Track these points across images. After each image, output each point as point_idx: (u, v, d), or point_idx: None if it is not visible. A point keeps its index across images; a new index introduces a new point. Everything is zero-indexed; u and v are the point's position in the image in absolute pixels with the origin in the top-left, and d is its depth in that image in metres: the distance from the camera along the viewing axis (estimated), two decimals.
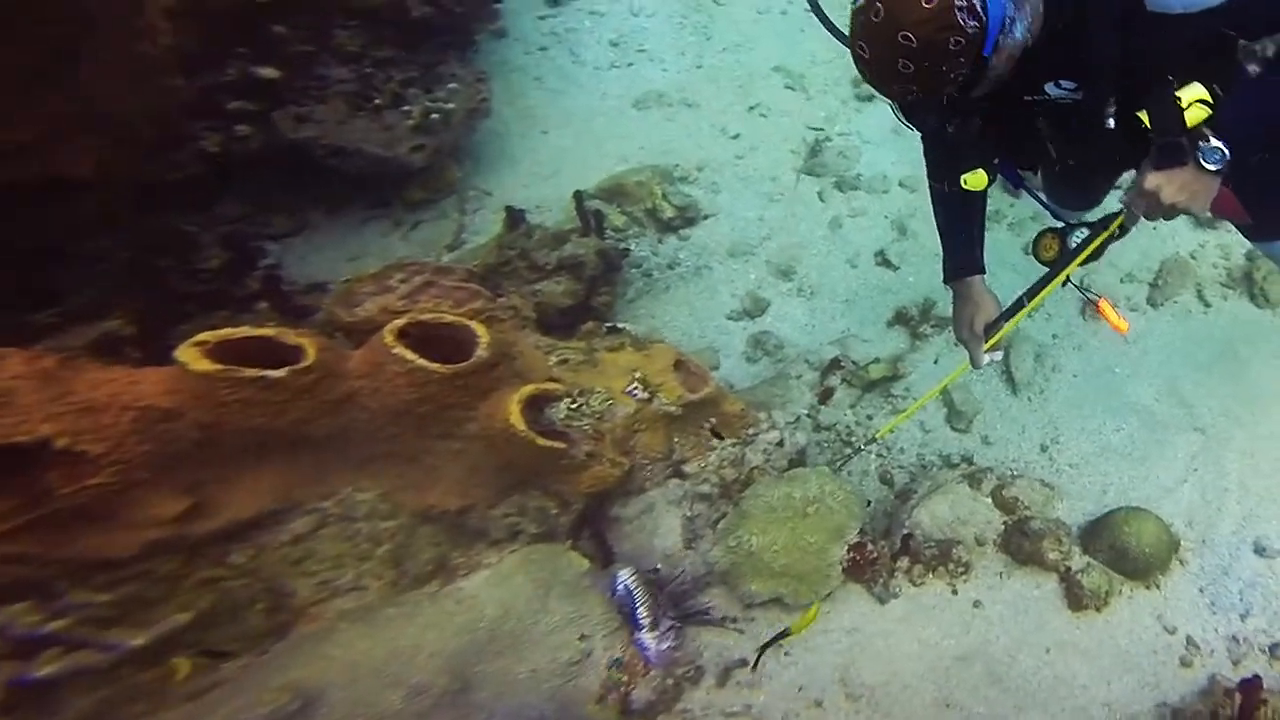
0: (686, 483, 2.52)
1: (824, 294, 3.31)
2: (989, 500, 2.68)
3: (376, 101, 3.35)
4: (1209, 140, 1.57)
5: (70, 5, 2.32)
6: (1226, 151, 1.56)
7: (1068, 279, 1.98)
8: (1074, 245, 1.95)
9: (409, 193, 3.46)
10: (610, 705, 2.04)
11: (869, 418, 2.93)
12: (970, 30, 1.41)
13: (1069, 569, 2.55)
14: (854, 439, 2.84)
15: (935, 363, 3.09)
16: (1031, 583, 2.56)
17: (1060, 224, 2.03)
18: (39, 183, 2.42)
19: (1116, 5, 1.57)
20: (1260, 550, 2.70)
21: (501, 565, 2.16)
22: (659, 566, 2.37)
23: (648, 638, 2.14)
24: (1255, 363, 3.14)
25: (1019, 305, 2.03)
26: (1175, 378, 3.08)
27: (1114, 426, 2.96)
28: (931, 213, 2.20)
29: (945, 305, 3.06)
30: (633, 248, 3.35)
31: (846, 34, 1.56)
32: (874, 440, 2.79)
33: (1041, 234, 2.03)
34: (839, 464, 2.73)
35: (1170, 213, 1.67)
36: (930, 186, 2.15)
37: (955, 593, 2.52)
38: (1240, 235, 2.47)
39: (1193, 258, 3.44)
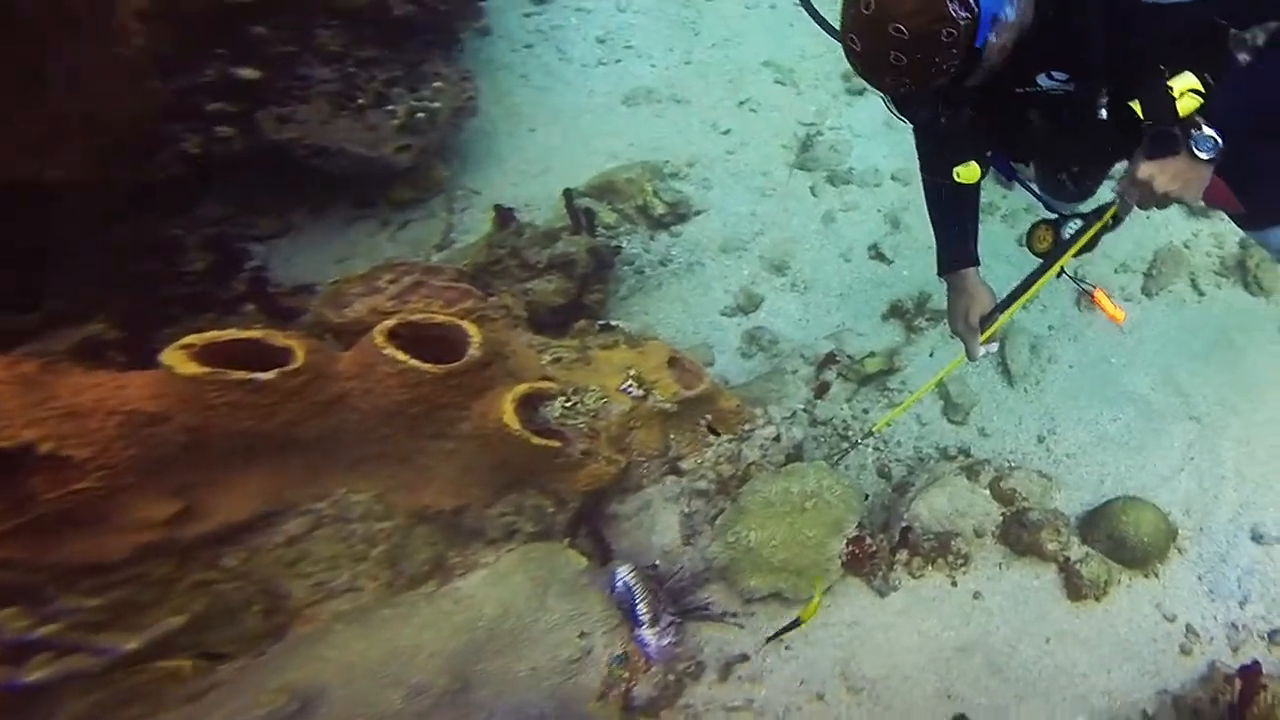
0: (683, 479, 2.58)
1: (818, 289, 3.38)
2: (987, 492, 2.75)
3: (360, 101, 3.39)
4: (1201, 129, 1.61)
5: (41, 8, 2.37)
6: (1219, 140, 1.61)
7: (1062, 270, 2.03)
8: (1068, 236, 2.00)
9: (396, 193, 3.50)
10: (612, 702, 2.08)
11: (865, 412, 2.99)
12: (962, 21, 1.45)
13: (1068, 559, 2.62)
14: (851, 433, 2.91)
15: (931, 355, 3.17)
16: (1030, 573, 2.62)
17: (1054, 215, 2.08)
18: (16, 187, 2.45)
19: None
20: (1258, 537, 2.78)
21: (499, 564, 2.20)
22: (657, 563, 2.42)
23: (648, 634, 2.19)
24: (1250, 351, 3.23)
25: (1014, 297, 2.08)
26: (1170, 367, 3.17)
27: (1110, 416, 3.03)
28: (924, 205, 2.25)
29: (940, 298, 3.13)
30: (624, 245, 3.41)
31: (837, 28, 1.60)
32: (871, 434, 2.85)
33: (1035, 225, 2.08)
34: (836, 458, 2.79)
35: (1164, 202, 1.71)
36: (923, 179, 2.20)
37: (955, 584, 2.58)
38: (1233, 224, 2.54)
39: (1186, 247, 3.54)
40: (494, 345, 2.34)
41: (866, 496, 2.70)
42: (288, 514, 2.15)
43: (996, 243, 3.37)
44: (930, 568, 2.59)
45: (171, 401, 2.00)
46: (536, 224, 3.26)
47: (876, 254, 3.49)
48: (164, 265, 2.96)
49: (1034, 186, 2.42)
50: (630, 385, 2.60)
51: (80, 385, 1.96)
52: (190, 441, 2.05)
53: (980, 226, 2.24)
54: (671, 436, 2.64)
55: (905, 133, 2.15)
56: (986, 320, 2.11)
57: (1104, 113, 1.73)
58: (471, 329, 2.30)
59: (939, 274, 2.23)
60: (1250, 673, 2.31)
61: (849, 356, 3.11)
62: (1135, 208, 1.81)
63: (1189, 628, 2.58)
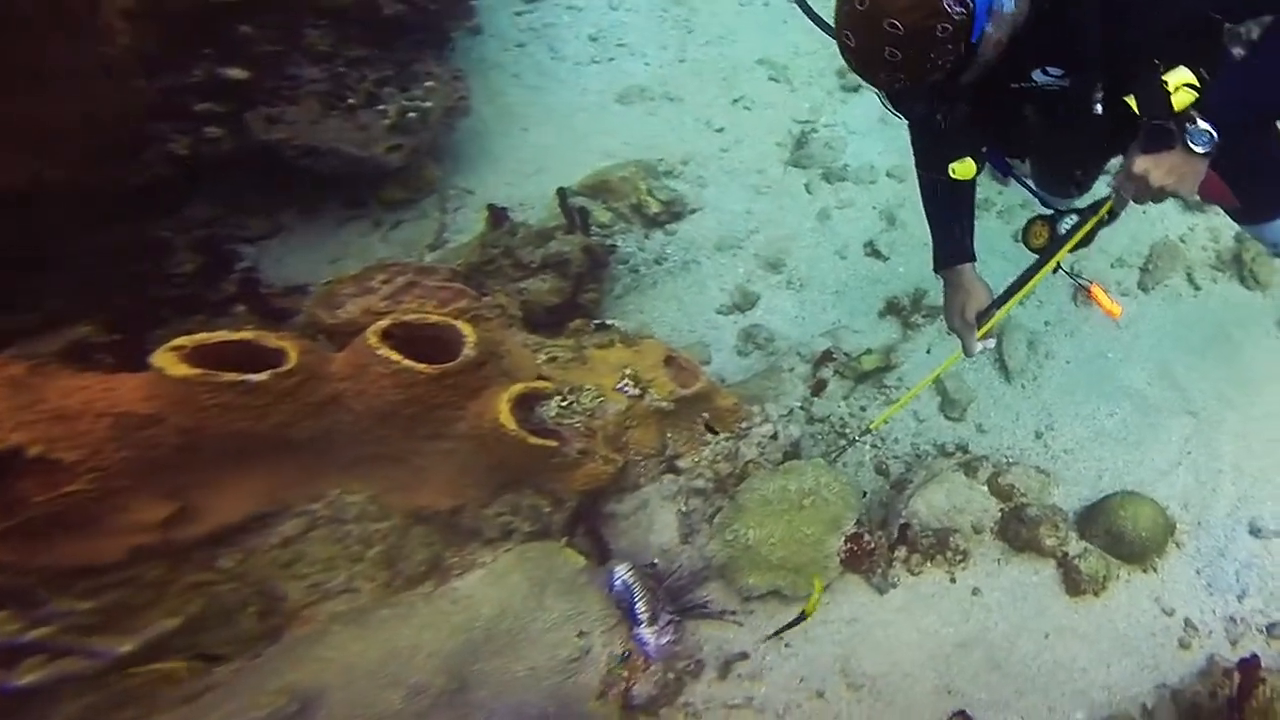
0: (681, 478, 2.61)
1: (814, 286, 3.41)
2: (985, 488, 2.79)
3: (350, 101, 3.40)
4: (1196, 123, 1.62)
5: (38, 7, 2.38)
6: (1214, 134, 1.62)
7: (1058, 265, 2.05)
8: (1064, 232, 2.02)
9: (388, 193, 3.52)
10: (611, 701, 2.11)
11: (862, 409, 3.03)
12: (957, 17, 1.46)
13: (1066, 554, 2.66)
14: (848, 430, 2.94)
15: (928, 352, 3.20)
16: (1029, 569, 2.66)
17: (1049, 211, 2.11)
18: (3, 188, 2.46)
19: None
20: (1255, 531, 2.82)
21: (496, 564, 2.22)
22: (655, 561, 2.44)
23: (647, 632, 2.22)
24: (1246, 345, 3.28)
25: (1011, 292, 2.10)
26: (1167, 361, 3.21)
27: (1107, 411, 3.07)
28: (920, 202, 2.27)
29: (936, 294, 3.16)
30: (619, 244, 3.44)
31: (831, 24, 1.61)
32: (868, 431, 2.88)
33: (1031, 221, 2.11)
34: (834, 455, 2.82)
35: (1159, 196, 1.73)
36: (918, 175, 2.22)
37: (953, 581, 2.62)
38: (1229, 218, 2.58)
39: (1182, 241, 3.58)
40: (489, 345, 2.36)
41: (864, 494, 2.73)
42: (283, 515, 2.17)
43: (992, 239, 3.41)
44: (929, 564, 2.63)
45: (163, 403, 2.02)
46: (530, 223, 3.29)
47: (872, 251, 3.53)
48: (153, 267, 2.97)
49: (1029, 182, 2.46)
50: (626, 384, 2.63)
51: (69, 388, 1.98)
52: (183, 443, 2.07)
53: (976, 223, 2.26)
54: (668, 435, 2.67)
55: (900, 129, 2.18)
56: (983, 316, 2.13)
57: (1099, 108, 1.76)
58: (466, 329, 2.33)
59: (935, 270, 2.25)
60: (1249, 666, 2.34)
61: (845, 354, 3.14)
62: (1131, 202, 1.83)
63: (1187, 622, 2.62)
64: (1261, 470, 2.95)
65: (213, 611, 1.97)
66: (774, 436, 2.76)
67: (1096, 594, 2.63)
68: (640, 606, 2.23)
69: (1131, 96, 1.71)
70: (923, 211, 2.27)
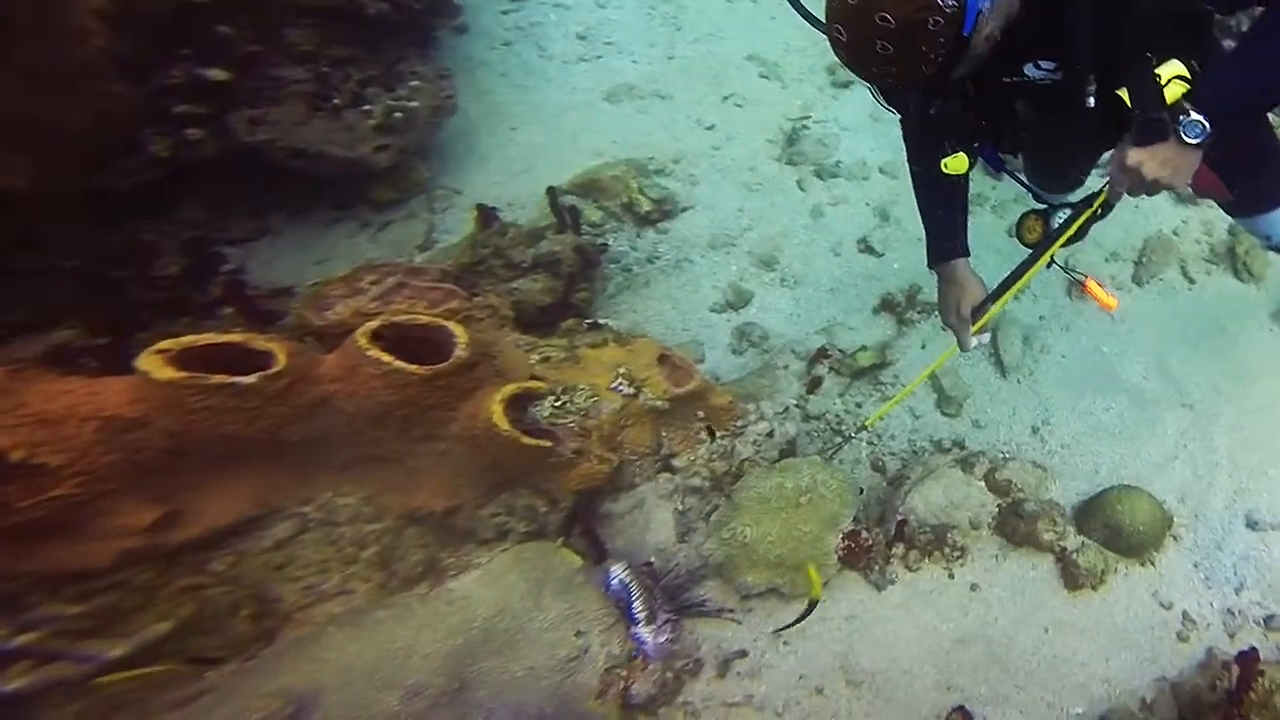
0: (677, 476, 2.66)
1: (808, 283, 3.48)
2: (982, 484, 2.85)
3: (335, 101, 3.44)
4: (1189, 114, 1.65)
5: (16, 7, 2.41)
6: (1207, 125, 1.66)
7: (1052, 260, 2.10)
8: (1057, 226, 2.07)
9: (375, 193, 3.56)
10: (610, 700, 2.15)
11: (858, 406, 3.08)
12: (949, 10, 1.49)
13: (1064, 549, 2.72)
14: (844, 427, 3.00)
15: (923, 348, 3.27)
16: (1027, 564, 2.72)
17: (1043, 206, 2.16)
18: None
19: None
20: (1252, 524, 2.90)
21: (492, 565, 2.26)
22: (652, 560, 2.49)
23: (645, 631, 2.26)
24: (1241, 338, 3.36)
25: (1005, 287, 2.14)
26: (1163, 355, 3.29)
27: (1104, 406, 3.15)
28: (913, 198, 2.31)
29: (931, 290, 3.22)
30: (611, 243, 3.49)
31: (821, 20, 1.64)
32: (864, 428, 2.93)
33: (1024, 216, 2.16)
34: (830, 453, 2.87)
35: (1153, 189, 1.76)
36: (911, 171, 2.27)
37: (952, 577, 2.67)
38: (1222, 211, 2.64)
39: (1176, 235, 3.67)
40: (481, 345, 2.40)
41: (861, 490, 2.79)
42: (275, 518, 2.20)
43: (986, 234, 3.48)
44: (927, 560, 2.68)
45: (150, 407, 2.05)
46: (520, 223, 3.33)
47: (866, 247, 3.60)
48: (137, 270, 3.00)
49: (1022, 177, 2.52)
50: (621, 383, 2.68)
51: (51, 392, 2.01)
52: (171, 447, 2.10)
53: (970, 218, 2.30)
54: (664, 434, 2.72)
55: (892, 125, 2.23)
56: (978, 311, 2.17)
57: (1092, 101, 1.79)
58: (457, 329, 2.37)
59: (929, 266, 2.30)
60: (1247, 658, 2.41)
61: (840, 351, 3.20)
62: (1126, 195, 1.86)
63: (1186, 615, 2.68)
64: (1257, 463, 3.03)
65: (205, 615, 2.00)
66: (770, 434, 2.81)
67: (1095, 588, 2.69)
68: (638, 605, 2.28)
69: (1124, 89, 1.75)
70: (916, 207, 2.31)
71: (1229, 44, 1.92)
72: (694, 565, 2.52)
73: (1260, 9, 1.75)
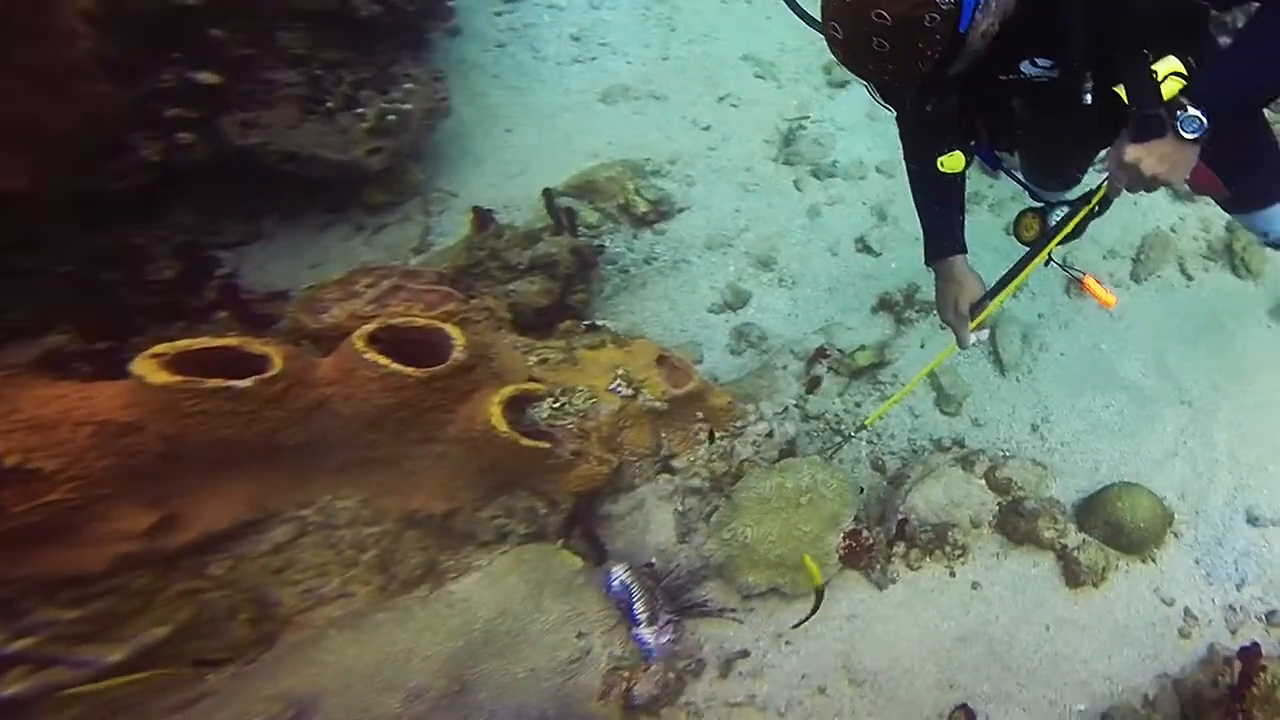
0: (676, 477, 2.68)
1: (806, 283, 3.51)
2: (982, 482, 2.88)
3: (328, 104, 3.47)
4: (1186, 110, 1.67)
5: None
6: (1204, 120, 1.67)
7: (1050, 258, 2.12)
8: (1055, 223, 2.08)
9: (369, 196, 3.59)
10: (613, 701, 2.17)
11: (857, 405, 3.12)
12: (945, 6, 1.51)
13: (1065, 547, 2.75)
14: (843, 427, 3.03)
15: (922, 347, 3.30)
16: (1028, 562, 2.75)
17: (1040, 203, 2.17)
18: None
19: None
20: (1253, 520, 2.94)
21: (492, 567, 2.28)
22: (653, 561, 2.51)
23: (646, 632, 2.28)
24: (1239, 334, 3.41)
25: (1004, 283, 2.16)
26: (1161, 352, 3.33)
27: (1103, 403, 3.19)
28: (910, 197, 2.33)
29: (929, 289, 3.24)
30: (607, 244, 3.52)
31: (817, 19, 1.67)
32: (864, 427, 2.97)
33: (1022, 214, 2.17)
34: (830, 452, 2.90)
35: (1151, 185, 1.78)
36: (907, 168, 2.30)
37: (953, 575, 2.70)
38: (1219, 208, 2.66)
39: (1173, 231, 3.72)
40: (478, 348, 2.43)
41: (861, 490, 2.82)
42: (273, 521, 2.22)
43: (984, 232, 3.52)
44: (928, 559, 2.71)
45: (145, 411, 2.07)
46: (516, 225, 3.36)
47: (863, 247, 3.63)
48: (130, 274, 3.02)
49: (1019, 175, 2.55)
50: (619, 384, 2.70)
51: (44, 397, 2.03)
52: (166, 451, 2.12)
53: (967, 216, 2.33)
54: (663, 435, 2.75)
55: (889, 125, 2.26)
56: (976, 307, 2.19)
57: (1088, 98, 1.82)
58: (454, 331, 2.40)
59: (926, 263, 2.32)
60: (1249, 654, 2.44)
61: (839, 350, 3.23)
62: (1125, 191, 1.88)
63: (1187, 611, 2.72)
64: (1257, 459, 3.07)
65: (204, 619, 2.02)
66: (769, 434, 2.84)
67: (1096, 585, 2.73)
68: (639, 606, 2.30)
69: (1120, 86, 1.77)
70: (913, 206, 2.34)
71: (1225, 40, 1.96)
72: (695, 566, 2.54)
73: (1256, 5, 1.78)
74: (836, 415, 3.08)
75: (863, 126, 4.10)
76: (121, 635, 1.96)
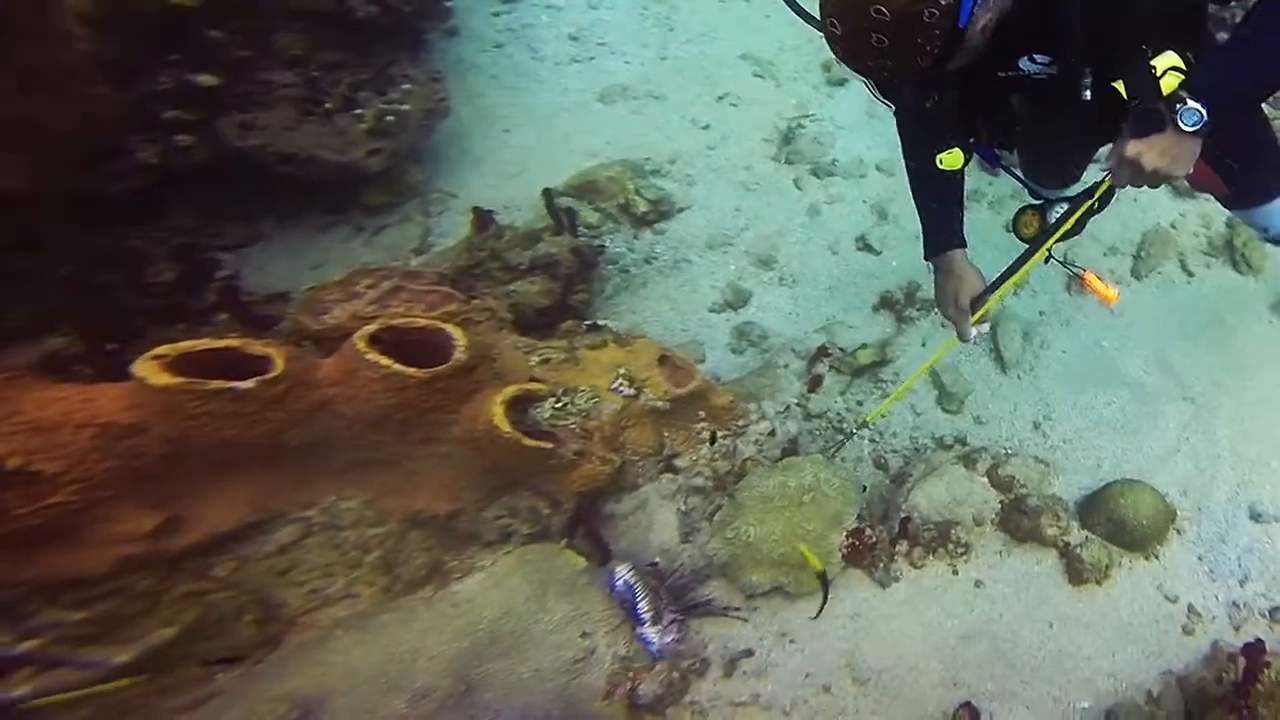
0: (679, 477, 2.70)
1: (806, 282, 3.53)
2: (985, 480, 2.90)
3: (327, 106, 3.49)
4: (1186, 103, 1.69)
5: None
6: (1204, 113, 1.68)
7: (1050, 255, 2.14)
8: (1054, 220, 2.10)
9: (368, 197, 3.60)
10: (617, 701, 2.19)
11: (859, 404, 3.14)
12: (944, 2, 1.52)
13: (1068, 544, 2.78)
14: (846, 425, 3.05)
15: (923, 345, 3.32)
16: (1031, 559, 2.77)
17: (1039, 200, 2.19)
18: None
19: None
20: (1256, 516, 2.96)
21: (496, 567, 2.30)
22: (657, 561, 2.53)
23: (650, 632, 2.30)
24: (1240, 330, 3.43)
25: (1004, 277, 2.17)
26: (1163, 348, 3.36)
27: (1105, 400, 3.21)
28: (910, 194, 2.34)
29: (929, 287, 3.25)
30: (608, 244, 3.54)
31: (815, 16, 1.68)
32: (865, 424, 2.99)
33: (1021, 211, 2.18)
34: (832, 451, 2.92)
35: (1153, 179, 1.80)
36: (906, 165, 2.31)
37: (956, 573, 2.72)
38: (1219, 204, 2.69)
39: (1174, 228, 3.75)
40: (479, 348, 2.45)
41: (864, 488, 2.84)
42: (277, 522, 2.24)
43: (984, 230, 3.54)
44: (931, 557, 2.73)
45: (147, 413, 2.08)
46: (517, 225, 3.38)
47: (864, 245, 3.66)
48: (128, 276, 3.04)
49: (1017, 172, 2.57)
50: (621, 384, 2.72)
51: (45, 399, 2.04)
52: (169, 453, 2.14)
53: (967, 214, 2.34)
54: (665, 434, 2.77)
55: (888, 123, 2.28)
56: (977, 302, 2.19)
57: (1088, 94, 1.84)
58: (456, 332, 2.41)
59: (926, 258, 2.33)
60: (1253, 650, 2.45)
61: (840, 349, 3.25)
62: (1129, 186, 1.88)
63: (1191, 608, 2.74)
64: (1259, 455, 3.09)
65: (210, 620, 2.04)
66: (771, 433, 2.86)
67: (1099, 583, 2.75)
68: (643, 606, 2.32)
69: (1119, 82, 1.79)
70: (913, 205, 2.35)
71: (1224, 36, 1.98)
72: (698, 565, 2.56)
73: (1253, 0, 1.79)
74: (839, 414, 3.10)
75: (862, 124, 4.12)
76: (128, 637, 1.97)
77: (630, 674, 2.24)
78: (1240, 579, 2.82)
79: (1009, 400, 3.21)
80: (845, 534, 2.65)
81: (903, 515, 2.77)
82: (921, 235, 2.35)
